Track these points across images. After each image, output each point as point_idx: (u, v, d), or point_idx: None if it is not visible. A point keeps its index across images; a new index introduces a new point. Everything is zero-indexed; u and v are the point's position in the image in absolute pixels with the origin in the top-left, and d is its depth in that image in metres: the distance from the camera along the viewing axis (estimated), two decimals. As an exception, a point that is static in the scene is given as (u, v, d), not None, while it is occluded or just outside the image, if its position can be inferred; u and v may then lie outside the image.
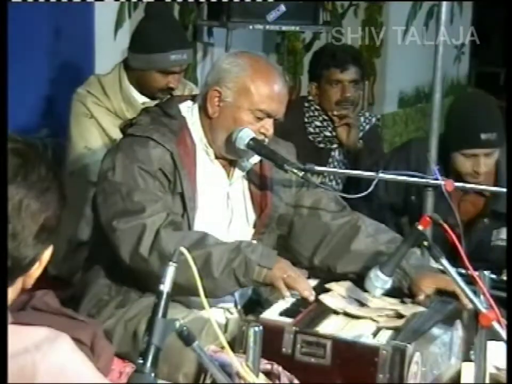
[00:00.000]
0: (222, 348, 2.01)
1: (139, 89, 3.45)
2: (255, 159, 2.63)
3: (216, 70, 2.64)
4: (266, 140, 2.58)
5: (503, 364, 2.40)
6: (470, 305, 2.36)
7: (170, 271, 1.84)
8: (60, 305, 2.29)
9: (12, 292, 1.46)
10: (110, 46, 4.41)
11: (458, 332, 2.49)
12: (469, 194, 3.27)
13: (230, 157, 2.61)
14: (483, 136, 3.05)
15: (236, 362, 1.96)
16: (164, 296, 1.82)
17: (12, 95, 4.06)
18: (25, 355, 1.36)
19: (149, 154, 2.50)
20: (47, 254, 1.49)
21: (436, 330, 2.38)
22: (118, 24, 4.55)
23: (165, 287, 1.83)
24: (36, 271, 1.50)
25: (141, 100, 3.40)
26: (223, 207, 2.64)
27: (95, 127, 3.45)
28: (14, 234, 1.41)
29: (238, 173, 2.66)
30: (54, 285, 2.64)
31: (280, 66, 2.80)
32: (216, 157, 2.62)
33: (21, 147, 1.52)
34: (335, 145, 3.83)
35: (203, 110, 2.60)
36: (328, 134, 3.82)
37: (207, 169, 2.61)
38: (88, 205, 2.87)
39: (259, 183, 2.69)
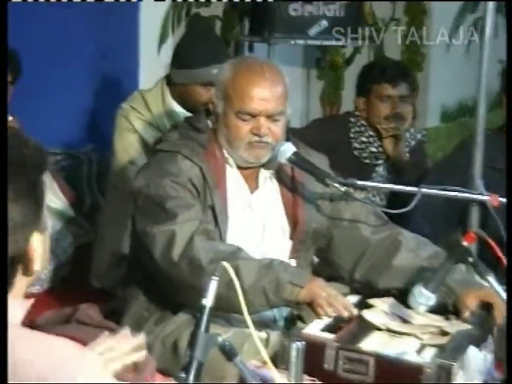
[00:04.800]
0: (264, 363, 2.00)
1: (181, 103, 3.47)
2: (285, 155, 2.59)
3: None
4: (264, 139, 2.54)
5: None
6: (502, 320, 2.36)
7: (213, 286, 1.82)
8: (103, 319, 2.30)
9: (19, 282, 1.45)
10: (153, 61, 4.45)
11: (490, 346, 2.44)
12: None
13: (246, 165, 2.61)
14: None
15: (278, 377, 1.95)
16: (207, 310, 1.81)
17: (58, 111, 4.15)
18: (49, 370, 1.34)
19: (179, 168, 2.52)
20: (34, 239, 1.45)
21: (475, 347, 2.33)
22: (162, 39, 4.59)
23: (208, 301, 1.82)
24: (33, 258, 1.45)
25: (183, 114, 3.41)
26: (252, 222, 2.63)
27: (138, 141, 3.48)
28: None
29: (264, 176, 2.65)
30: (97, 298, 2.65)
31: (272, 64, 2.74)
32: (238, 167, 2.61)
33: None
34: (380, 161, 3.80)
35: None
36: (373, 149, 3.80)
37: (233, 180, 2.61)
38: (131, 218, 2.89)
39: (291, 187, 2.67)
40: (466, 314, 2.46)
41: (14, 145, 1.42)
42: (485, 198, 2.63)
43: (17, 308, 1.45)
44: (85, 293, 3.26)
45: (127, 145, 3.48)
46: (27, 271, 1.45)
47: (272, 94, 2.54)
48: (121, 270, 2.98)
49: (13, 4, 3.68)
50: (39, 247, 1.45)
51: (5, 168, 1.37)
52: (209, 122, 2.65)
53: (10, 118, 3.49)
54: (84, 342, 1.66)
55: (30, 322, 1.57)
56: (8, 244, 1.40)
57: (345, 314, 2.35)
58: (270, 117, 2.54)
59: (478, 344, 2.33)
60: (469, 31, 6.05)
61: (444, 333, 2.35)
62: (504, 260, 2.28)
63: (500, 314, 2.37)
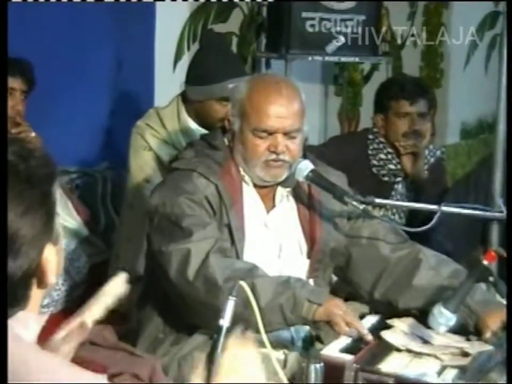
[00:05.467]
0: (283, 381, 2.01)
1: (198, 121, 3.47)
2: (303, 173, 2.58)
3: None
4: (281, 157, 2.54)
5: None
6: None
7: (230, 305, 1.82)
8: (117, 340, 2.30)
9: (35, 295, 1.44)
10: (169, 78, 4.47)
11: None
12: None
13: (263, 184, 2.61)
14: None
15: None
16: (224, 331, 1.80)
17: (73, 128, 4.16)
18: None
19: (194, 186, 2.52)
20: (47, 251, 1.44)
21: (498, 369, 2.30)
22: (177, 57, 4.61)
23: (225, 321, 1.81)
24: (47, 270, 1.44)
25: (199, 131, 3.41)
26: (269, 240, 2.62)
27: (153, 159, 3.48)
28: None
29: (281, 195, 2.64)
30: (112, 319, 2.65)
31: (288, 81, 2.76)
32: (255, 185, 2.61)
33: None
34: (399, 179, 3.79)
35: None
36: (392, 166, 3.79)
37: (249, 199, 2.61)
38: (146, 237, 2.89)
39: (308, 205, 2.66)
40: (488, 335, 2.44)
41: (20, 157, 1.41)
42: (505, 216, 2.63)
43: (33, 322, 1.44)
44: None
45: (143, 163, 3.48)
46: (42, 284, 1.44)
47: (289, 111, 2.54)
48: (136, 290, 2.98)
49: (24, 19, 3.70)
50: (52, 258, 1.44)
51: (5, 169, 1.37)
52: (226, 140, 2.65)
53: (33, 134, 3.52)
54: (98, 364, 1.66)
55: (44, 343, 1.57)
56: (21, 258, 1.40)
57: (364, 332, 2.34)
58: (287, 134, 2.54)
59: (500, 366, 2.31)
60: (488, 48, 6.08)
61: (465, 354, 2.33)
62: None
63: None
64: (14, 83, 3.44)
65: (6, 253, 1.36)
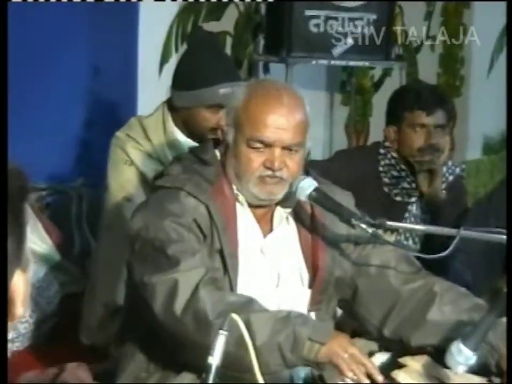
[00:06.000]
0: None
1: (186, 131, 3.47)
2: (305, 192, 2.59)
3: None
4: (278, 173, 2.53)
5: None
6: None
7: (221, 341, 1.84)
8: (93, 381, 2.30)
9: None
10: (154, 83, 4.48)
11: None
12: None
13: (257, 203, 2.61)
14: None
15: None
16: (213, 369, 1.82)
17: (44, 138, 4.15)
18: None
19: (182, 206, 2.52)
20: (16, 279, 1.41)
21: None
22: (164, 59, 4.62)
23: (214, 359, 1.83)
24: (14, 299, 1.42)
25: (188, 143, 3.41)
26: (265, 265, 2.63)
27: (135, 175, 3.47)
28: None
29: (280, 216, 2.65)
30: (87, 356, 2.65)
31: (290, 88, 2.76)
32: (250, 205, 2.62)
33: None
34: (413, 199, 3.80)
35: None
36: (406, 185, 3.79)
37: (244, 221, 2.62)
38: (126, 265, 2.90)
39: (311, 229, 2.67)
40: None
41: None
42: None
43: None
44: (73, 351, 3.25)
45: (123, 180, 3.48)
46: (8, 315, 1.43)
47: (290, 123, 2.55)
48: (116, 324, 2.98)
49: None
50: (21, 286, 1.43)
51: (5, 170, 1.37)
52: (218, 154, 2.65)
53: None
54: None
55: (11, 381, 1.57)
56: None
57: (375, 372, 2.34)
58: (286, 148, 2.54)
59: None
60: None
61: None
62: None
63: None
64: None
65: (6, 253, 1.36)
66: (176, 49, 4.65)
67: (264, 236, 2.64)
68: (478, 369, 2.42)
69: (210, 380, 1.80)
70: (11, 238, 1.42)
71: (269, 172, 2.53)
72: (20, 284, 1.43)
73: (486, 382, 2.44)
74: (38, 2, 4.13)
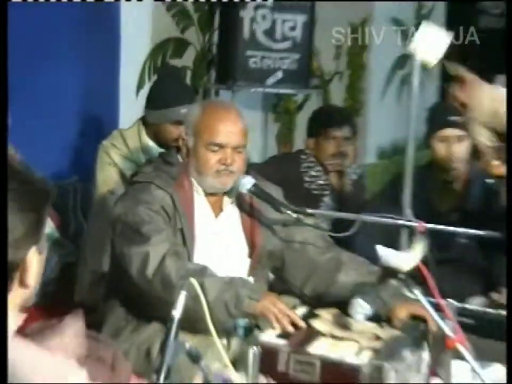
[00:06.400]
0: (225, 366, 2.00)
1: (156, 140, 3.45)
2: (246, 186, 2.60)
3: None
4: (230, 168, 2.55)
5: (465, 379, 2.39)
6: (436, 329, 2.35)
7: (181, 299, 1.82)
8: (84, 329, 2.28)
9: (15, 291, 1.39)
10: (132, 104, 4.44)
11: (425, 352, 2.46)
12: None
13: (214, 191, 2.61)
14: None
15: (237, 378, 1.95)
16: (176, 321, 1.80)
17: (47, 146, 4.09)
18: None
19: (152, 196, 2.51)
20: (32, 257, 1.40)
21: (407, 351, 2.35)
22: (140, 85, 4.59)
23: (177, 313, 1.81)
24: (29, 274, 1.40)
25: (157, 149, 3.40)
26: (216, 242, 2.62)
27: (117, 173, 3.45)
28: None
29: (227, 203, 2.65)
30: (83, 309, 2.61)
31: (233, 106, 2.83)
32: (206, 194, 2.61)
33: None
34: (326, 192, 3.81)
35: None
36: (321, 182, 3.80)
37: (200, 206, 2.61)
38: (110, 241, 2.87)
39: (250, 214, 2.67)
40: (397, 323, 2.48)
41: (27, 168, 1.40)
42: (413, 224, 2.66)
43: (11, 320, 1.39)
44: (69, 307, 3.21)
45: (107, 177, 3.44)
46: (22, 282, 1.41)
47: (236, 129, 2.57)
48: (101, 286, 2.95)
49: None
50: (35, 262, 1.41)
51: (5, 170, 1.33)
52: (179, 157, 2.65)
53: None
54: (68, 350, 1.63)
55: (19, 332, 1.54)
56: (9, 251, 1.35)
57: (290, 329, 2.34)
58: (235, 148, 2.55)
59: (409, 348, 2.35)
60: (400, 84, 6.14)
61: (378, 338, 2.37)
62: (429, 278, 2.30)
63: (432, 324, 2.38)
64: None
65: (6, 253, 1.32)
66: (149, 78, 4.61)
67: (216, 217, 2.63)
68: (373, 318, 2.44)
69: (173, 328, 1.79)
70: (34, 220, 1.40)
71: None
72: (34, 259, 1.41)
73: (378, 327, 2.45)
74: (35, 3, 3.92)
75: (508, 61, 2.63)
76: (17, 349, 1.34)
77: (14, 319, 1.41)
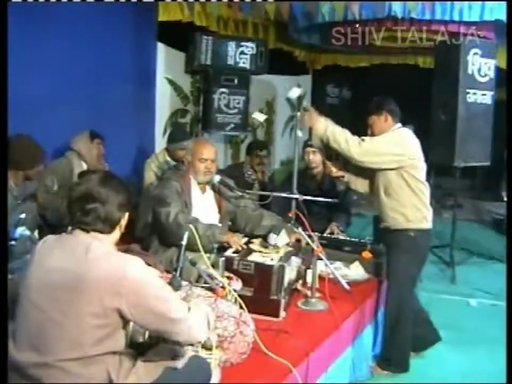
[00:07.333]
0: (208, 267, 1.99)
1: (172, 158, 3.38)
2: (216, 180, 2.54)
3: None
4: (212, 171, 2.48)
5: (322, 269, 2.39)
6: (306, 245, 2.34)
7: (185, 235, 1.82)
8: (140, 250, 2.24)
9: (114, 236, 1.30)
10: (161, 141, 4.27)
11: (299, 256, 2.44)
12: None
13: (202, 182, 2.54)
14: None
15: (214, 272, 1.95)
16: (183, 246, 1.80)
17: (124, 165, 3.77)
18: (120, 265, 1.20)
19: (171, 185, 2.45)
20: (124, 216, 1.33)
21: (294, 258, 2.35)
22: (164, 131, 4.45)
23: (184, 242, 1.81)
24: (122, 224, 1.33)
25: (172, 163, 3.34)
26: (203, 205, 2.56)
27: (154, 175, 3.36)
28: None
29: (208, 188, 2.59)
30: (138, 241, 2.55)
31: (210, 140, 2.80)
32: (198, 183, 2.55)
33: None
34: (256, 182, 3.78)
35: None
36: (253, 177, 3.78)
37: (195, 189, 2.54)
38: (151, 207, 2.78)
39: (218, 193, 2.62)
40: (290, 244, 2.41)
41: (120, 180, 1.33)
42: (297, 196, 2.60)
43: (110, 244, 1.29)
44: (134, 239, 3.12)
45: (149, 177, 3.37)
46: (120, 228, 1.33)
47: (211, 151, 2.51)
48: (148, 228, 2.90)
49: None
50: (125, 220, 1.35)
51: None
52: (184, 167, 2.59)
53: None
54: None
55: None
56: (117, 212, 1.23)
57: (240, 248, 2.32)
58: (212, 161, 2.50)
59: (295, 256, 2.34)
60: (292, 128, 6.12)
61: (279, 252, 2.34)
62: (305, 222, 2.28)
63: (305, 243, 2.35)
64: None
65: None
66: (169, 128, 4.49)
67: (202, 194, 2.57)
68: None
69: (183, 249, 1.79)
70: (128, 198, 1.33)
71: (206, 170, 2.48)
72: (125, 218, 1.34)
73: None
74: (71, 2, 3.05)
75: (508, 61, 2.31)
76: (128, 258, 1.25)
77: (113, 246, 1.32)
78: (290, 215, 2.44)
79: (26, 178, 2.35)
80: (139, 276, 1.20)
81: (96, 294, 1.14)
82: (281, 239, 2.38)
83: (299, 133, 2.44)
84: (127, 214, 1.37)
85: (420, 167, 2.37)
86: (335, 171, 2.68)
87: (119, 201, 1.32)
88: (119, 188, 1.33)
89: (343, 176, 2.68)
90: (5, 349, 1.07)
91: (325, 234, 3.05)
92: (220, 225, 2.49)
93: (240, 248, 2.33)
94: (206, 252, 2.11)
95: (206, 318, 1.34)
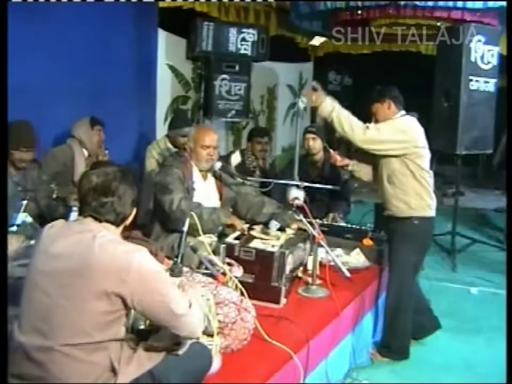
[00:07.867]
0: (209, 254, 1.99)
1: (173, 145, 3.34)
2: (217, 167, 2.53)
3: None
4: (214, 158, 2.47)
5: (323, 257, 2.39)
6: (310, 233, 2.34)
7: (187, 222, 1.80)
8: (142, 236, 2.23)
9: (121, 228, 1.32)
10: (162, 127, 4.26)
11: (307, 245, 2.45)
12: None
13: (203, 169, 2.53)
14: None
15: (215, 258, 1.94)
16: (185, 232, 1.79)
17: (125, 151, 3.77)
18: (127, 253, 1.21)
19: (173, 171, 2.43)
20: (133, 211, 1.35)
21: (298, 244, 2.35)
22: (165, 118, 4.41)
23: (185, 228, 1.79)
24: (130, 218, 1.36)
25: (173, 149, 3.31)
26: (204, 192, 2.55)
27: (155, 162, 3.33)
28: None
29: (209, 175, 2.58)
30: (140, 228, 2.54)
31: (211, 127, 2.75)
32: (200, 170, 2.53)
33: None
34: (257, 169, 3.73)
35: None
36: (254, 164, 3.74)
37: (196, 176, 2.53)
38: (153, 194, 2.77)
39: (219, 179, 2.61)
40: (291, 231, 2.42)
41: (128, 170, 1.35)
42: (298, 183, 2.54)
43: (115, 234, 1.28)
44: (135, 226, 3.10)
45: (150, 163, 3.34)
46: (127, 221, 1.33)
47: (213, 138, 2.49)
48: (149, 215, 2.89)
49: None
50: (133, 212, 1.35)
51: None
52: (186, 154, 2.56)
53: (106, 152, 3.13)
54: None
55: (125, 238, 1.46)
56: (127, 208, 1.24)
57: (243, 231, 2.33)
58: (213, 148, 2.48)
59: (298, 242, 2.33)
60: (293, 115, 6.10)
61: (280, 239, 2.34)
62: (306, 209, 2.26)
63: (308, 231, 2.33)
64: None
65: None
66: (170, 114, 4.46)
67: (204, 181, 2.56)
68: (280, 229, 2.39)
69: (184, 235, 1.77)
70: (134, 192, 1.33)
71: (208, 157, 2.46)
72: (133, 213, 1.34)
73: (282, 234, 2.40)
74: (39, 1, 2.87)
75: (508, 61, 2.28)
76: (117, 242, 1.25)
77: (116, 234, 1.31)
78: (291, 202, 2.41)
79: (21, 161, 2.29)
80: (145, 266, 1.21)
81: (101, 280, 1.13)
82: (281, 225, 2.39)
83: (300, 104, 2.37)
84: (135, 209, 1.38)
85: (424, 155, 2.35)
86: (339, 160, 2.66)
87: (133, 197, 1.34)
88: (133, 184, 1.35)
89: (347, 165, 2.66)
90: (5, 348, 1.07)
91: (325, 222, 3.04)
92: (222, 209, 2.51)
93: (243, 231, 2.33)
94: (207, 236, 2.11)
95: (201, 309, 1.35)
